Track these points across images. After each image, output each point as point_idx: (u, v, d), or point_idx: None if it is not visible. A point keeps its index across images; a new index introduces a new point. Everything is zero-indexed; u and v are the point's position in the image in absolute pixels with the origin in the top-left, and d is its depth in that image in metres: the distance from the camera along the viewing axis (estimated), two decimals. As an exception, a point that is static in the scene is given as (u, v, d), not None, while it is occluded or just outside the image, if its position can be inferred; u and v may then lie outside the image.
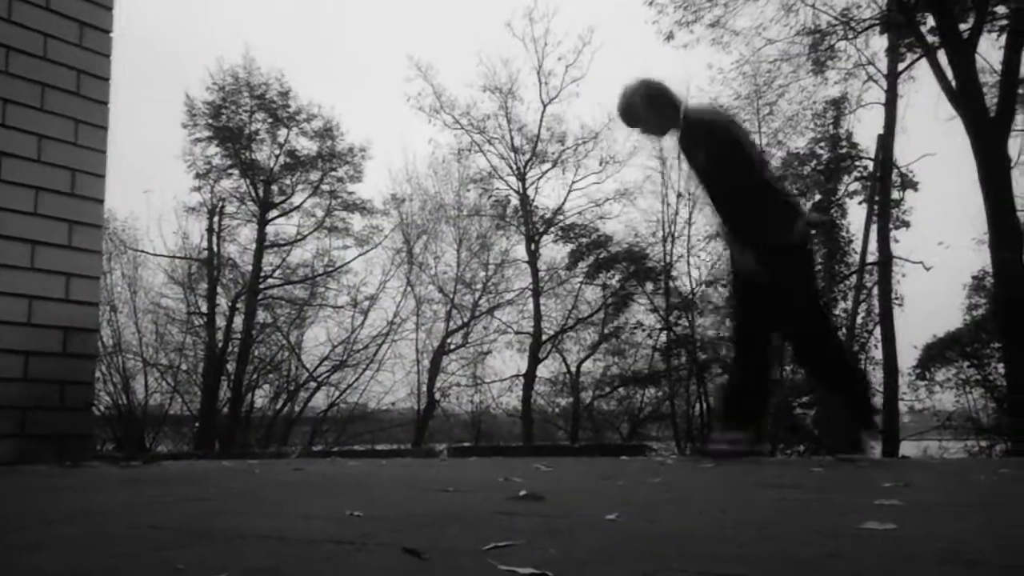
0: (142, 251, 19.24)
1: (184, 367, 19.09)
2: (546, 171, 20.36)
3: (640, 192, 19.75)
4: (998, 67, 13.25)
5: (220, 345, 18.94)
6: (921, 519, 1.73)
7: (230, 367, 19.07)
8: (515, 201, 20.59)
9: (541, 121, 19.96)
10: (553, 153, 20.18)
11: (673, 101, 4.27)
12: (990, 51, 13.55)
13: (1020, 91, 14.08)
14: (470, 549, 1.33)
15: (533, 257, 20.06)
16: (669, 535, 1.50)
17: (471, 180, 20.82)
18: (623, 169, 24.05)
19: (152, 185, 27.07)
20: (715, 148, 4.15)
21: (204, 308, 19.29)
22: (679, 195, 19.18)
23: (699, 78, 24.10)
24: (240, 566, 1.19)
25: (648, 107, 4.26)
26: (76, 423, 3.56)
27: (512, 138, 20.21)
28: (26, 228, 3.37)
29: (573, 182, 20.20)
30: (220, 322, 19.26)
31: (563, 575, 1.12)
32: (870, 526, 1.56)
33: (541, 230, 20.22)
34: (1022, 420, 12.40)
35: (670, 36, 15.63)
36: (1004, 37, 13.08)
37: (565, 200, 20.21)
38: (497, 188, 20.78)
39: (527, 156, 20.25)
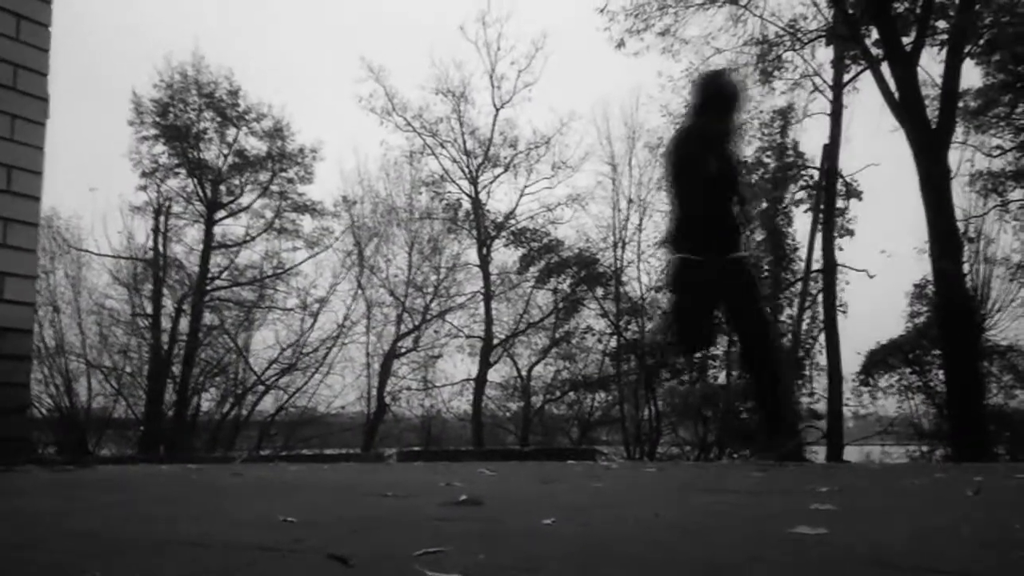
0: (86, 250, 18.80)
1: (129, 369, 18.70)
2: (498, 175, 20.35)
3: (591, 197, 19.80)
4: (939, 80, 13.58)
5: (166, 347, 18.60)
6: (851, 524, 1.75)
7: (176, 370, 18.73)
8: (467, 205, 20.56)
9: (494, 125, 19.96)
10: (505, 157, 20.19)
11: None
12: (931, 65, 13.89)
13: (960, 104, 14.46)
14: (399, 555, 1.32)
15: (484, 261, 20.04)
16: (600, 540, 1.50)
17: (423, 183, 20.74)
18: (575, 175, 24.07)
19: (97, 183, 26.47)
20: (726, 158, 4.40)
21: (149, 309, 18.93)
22: (630, 201, 19.31)
23: (649, 86, 24.25)
24: (156, 574, 1.17)
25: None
26: (10, 426, 3.47)
27: (464, 141, 20.19)
28: (-43, 226, 3.29)
29: (525, 186, 20.21)
30: (166, 324, 18.91)
31: (488, 581, 1.12)
32: (800, 531, 1.58)
33: (493, 234, 20.20)
34: (961, 425, 12.69)
35: (621, 44, 15.76)
36: (945, 52, 13.41)
37: (517, 204, 20.22)
38: (449, 191, 20.72)
39: (479, 160, 20.24)
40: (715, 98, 4.53)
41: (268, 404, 19.58)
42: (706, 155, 4.41)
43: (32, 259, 3.58)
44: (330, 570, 1.20)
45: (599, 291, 19.02)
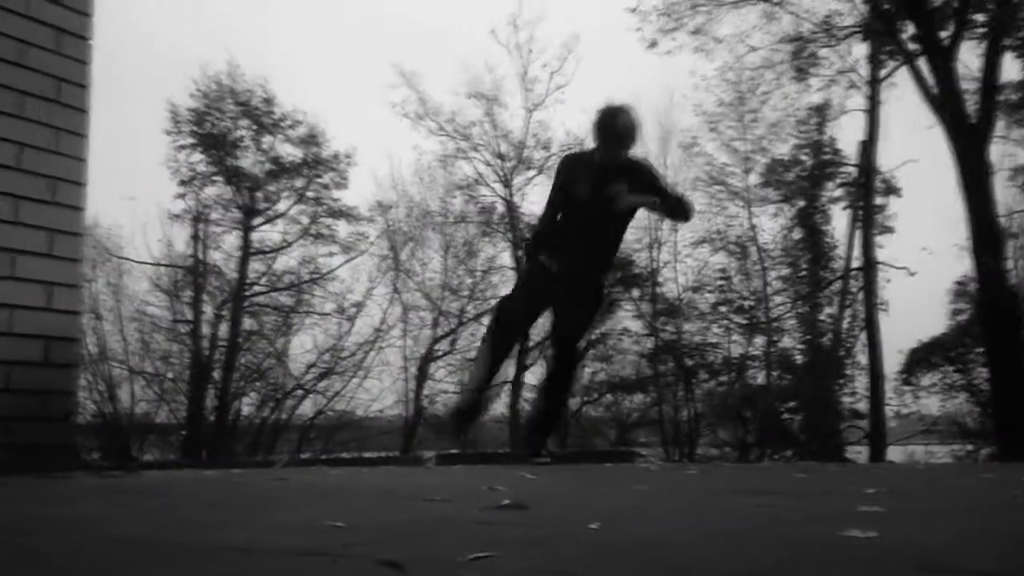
0: (126, 258, 19.08)
1: (170, 375, 18.94)
2: (532, 177, 20.29)
3: (626, 199, 19.73)
4: (978, 74, 13.36)
5: (206, 353, 18.82)
6: (902, 525, 1.73)
7: (216, 375, 18.95)
8: (501, 208, 20.56)
9: (527, 128, 19.94)
10: (539, 160, 20.15)
11: None
12: (970, 58, 13.64)
13: (1000, 98, 14.20)
14: (448, 560, 1.32)
15: (519, 264, 20.05)
16: (646, 544, 1.49)
17: (456, 187, 20.77)
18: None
19: (136, 192, 26.80)
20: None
21: (189, 316, 19.16)
22: (665, 201, 19.18)
23: (682, 85, 24.07)
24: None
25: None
26: (58, 433, 3.53)
27: (497, 145, 20.19)
28: (6, 237, 3.34)
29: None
30: (206, 330, 19.14)
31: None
32: (852, 533, 1.56)
33: (527, 237, 20.22)
34: (1006, 424, 12.46)
35: (653, 44, 15.66)
36: (983, 45, 13.19)
37: (551, 207, 20.19)
38: (483, 195, 20.73)
39: (513, 163, 20.21)
40: (608, 134, 4.80)
41: (307, 408, 19.72)
42: (581, 179, 4.76)
43: (78, 269, 3.64)
44: (383, 575, 1.20)
45: (635, 292, 18.92)
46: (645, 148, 19.72)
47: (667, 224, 19.06)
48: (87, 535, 1.63)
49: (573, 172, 4.88)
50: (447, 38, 35.56)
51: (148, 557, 1.36)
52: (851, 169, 18.33)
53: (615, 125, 4.77)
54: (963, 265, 17.13)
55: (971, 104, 13.23)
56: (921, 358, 17.35)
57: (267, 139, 19.68)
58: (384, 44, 36.85)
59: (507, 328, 4.95)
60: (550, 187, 5.04)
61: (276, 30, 33.15)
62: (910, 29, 13.40)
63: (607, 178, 4.66)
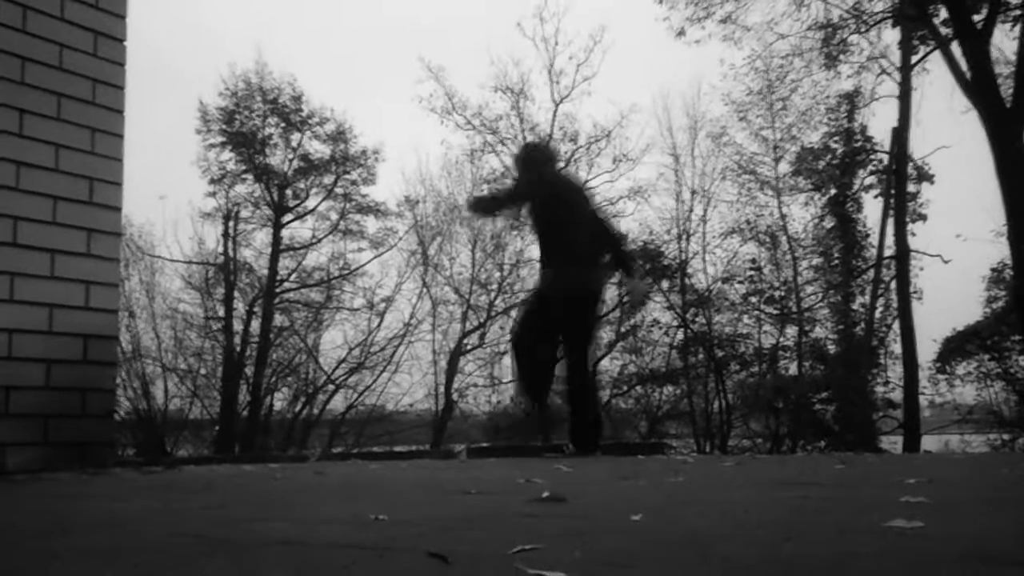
0: (159, 257, 19.32)
1: (203, 371, 19.17)
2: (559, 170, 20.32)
3: (654, 190, 19.63)
4: (1013, 58, 13.15)
5: (238, 349, 19.02)
6: (947, 516, 1.71)
7: (248, 371, 19.14)
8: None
9: (553, 120, 19.92)
10: (566, 152, 20.14)
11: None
12: (1004, 41, 13.47)
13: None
14: (496, 552, 1.32)
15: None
16: (692, 537, 1.49)
17: (484, 181, 20.80)
18: (636, 167, 23.89)
19: (167, 191, 27.16)
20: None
21: (221, 313, 19.37)
22: (693, 192, 19.11)
23: (710, 75, 23.93)
24: (262, 575, 1.19)
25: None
26: (98, 430, 3.58)
27: (524, 138, 20.18)
28: (45, 237, 3.39)
29: (586, 181, 20.14)
30: (237, 326, 19.34)
31: (588, 579, 1.12)
32: (897, 524, 1.54)
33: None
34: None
35: (681, 33, 15.60)
36: (1018, 27, 12.99)
37: (579, 199, 20.14)
38: (511, 188, 20.75)
39: (540, 156, 20.20)
40: (530, 162, 5.44)
41: (338, 403, 19.92)
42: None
43: (114, 268, 3.68)
44: (430, 568, 1.21)
45: (664, 284, 18.84)
46: (671, 140, 19.66)
47: (696, 214, 18.99)
48: (135, 532, 1.66)
49: (541, 190, 5.29)
50: (475, 31, 35.59)
51: (208, 552, 1.37)
52: (883, 156, 18.14)
53: (528, 154, 5.67)
54: (999, 251, 16.93)
55: (1006, 88, 13.04)
56: (956, 346, 17.13)
57: (296, 136, 19.84)
58: (412, 39, 36.99)
59: (532, 352, 5.37)
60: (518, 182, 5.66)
61: (302, 26, 33.34)
62: (943, 13, 13.23)
63: (563, 193, 5.28)
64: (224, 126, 19.45)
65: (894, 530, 1.49)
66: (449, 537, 1.50)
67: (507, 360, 20.76)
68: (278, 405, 19.74)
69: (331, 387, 19.73)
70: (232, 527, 1.67)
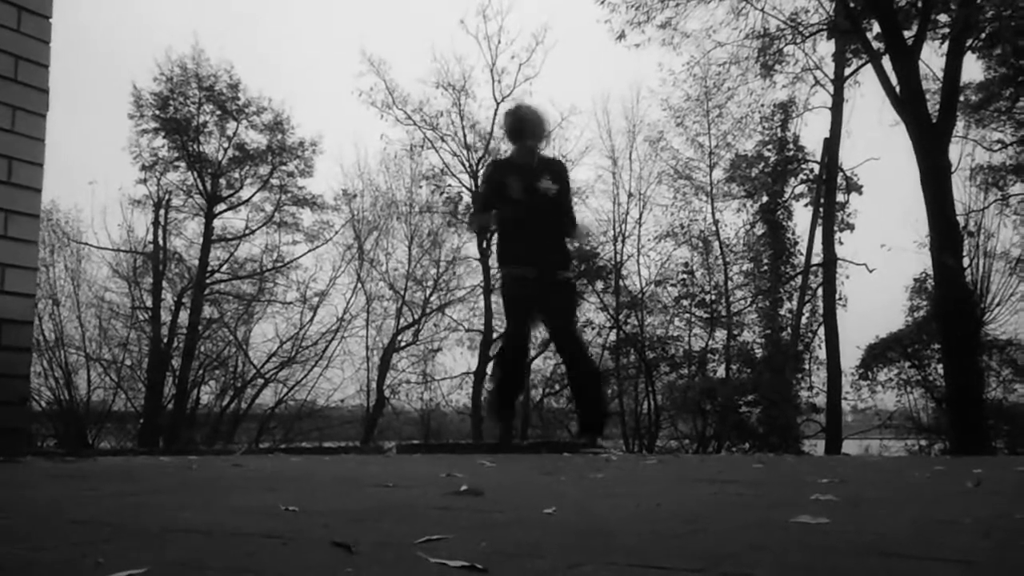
0: (86, 244, 18.83)
1: (128, 362, 18.73)
2: (499, 168, 20.32)
3: (591, 191, 19.80)
4: (940, 74, 13.57)
5: (165, 340, 18.63)
6: (853, 513, 1.76)
7: (175, 363, 18.76)
8: (467, 198, 20.54)
9: (494, 119, 19.92)
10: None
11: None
12: (933, 59, 13.87)
13: (961, 98, 14.44)
14: (401, 542, 1.32)
15: (484, 255, 20.03)
16: (602, 529, 1.50)
17: (423, 177, 20.71)
18: (574, 168, 24.06)
19: (97, 177, 26.42)
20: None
21: (149, 303, 18.94)
22: (630, 195, 19.31)
23: (650, 79, 24.19)
24: (162, 560, 1.17)
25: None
26: (10, 417, 3.48)
27: (465, 135, 20.15)
28: (-42, 217, 3.28)
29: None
30: (165, 317, 18.94)
31: (491, 567, 1.12)
32: (803, 519, 1.58)
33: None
34: (959, 420, 12.69)
35: (622, 35, 15.70)
36: (946, 45, 13.39)
37: (517, 198, 20.18)
38: (449, 185, 20.69)
39: (480, 153, 20.20)
40: (514, 129, 5.30)
41: (268, 397, 19.63)
42: (511, 180, 5.12)
43: (33, 251, 3.58)
44: (332, 556, 1.20)
45: (599, 285, 19.00)
46: (610, 143, 19.84)
47: (632, 216, 19.19)
48: (38, 517, 1.61)
49: (503, 175, 5.24)
50: (419, 26, 35.42)
51: (110, 538, 1.34)
52: (814, 166, 18.54)
53: (517, 119, 5.28)
54: (922, 262, 17.45)
55: (933, 103, 13.44)
56: (878, 353, 17.62)
57: (231, 125, 19.49)
58: (355, 31, 36.66)
59: (517, 364, 5.46)
60: (481, 192, 5.56)
61: (240, 13, 32.80)
62: (875, 28, 13.57)
63: (533, 174, 5.12)
64: (158, 112, 19.02)
65: (799, 525, 1.53)
66: (359, 527, 1.49)
67: (440, 358, 20.73)
68: (205, 399, 19.38)
69: (260, 381, 19.45)
70: (138, 514, 1.64)
